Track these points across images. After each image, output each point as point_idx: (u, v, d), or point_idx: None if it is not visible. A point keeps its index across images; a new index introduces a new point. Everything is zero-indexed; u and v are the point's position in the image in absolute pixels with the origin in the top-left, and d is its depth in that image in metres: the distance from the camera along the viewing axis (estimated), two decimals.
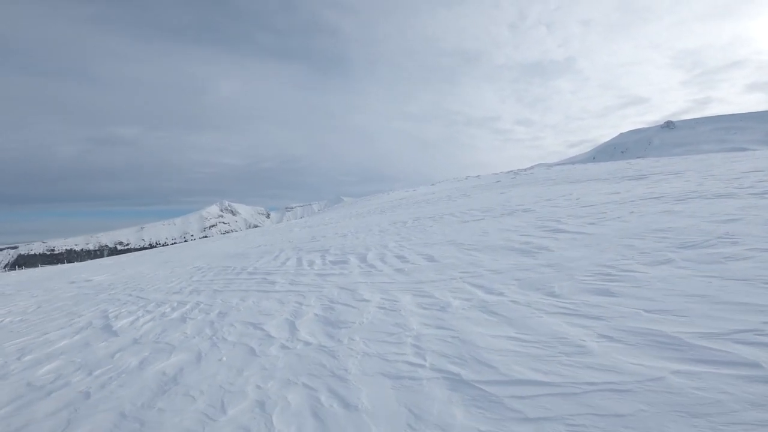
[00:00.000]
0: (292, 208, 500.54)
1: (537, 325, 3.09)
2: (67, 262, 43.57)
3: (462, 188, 23.91)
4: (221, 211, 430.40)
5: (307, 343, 3.52)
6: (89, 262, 26.07)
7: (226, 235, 29.48)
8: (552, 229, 6.40)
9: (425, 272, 5.20)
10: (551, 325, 3.05)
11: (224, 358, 3.50)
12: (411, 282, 4.87)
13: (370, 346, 3.22)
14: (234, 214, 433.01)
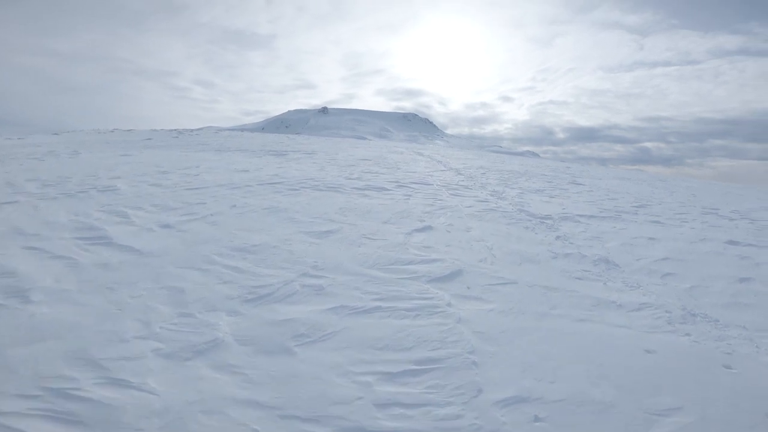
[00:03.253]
0: None
1: None
2: None
3: (85, 143, 17.83)
4: None
5: None
6: None
7: None
8: (97, 237, 4.14)
9: None
10: None
11: None
12: None
13: None
14: None
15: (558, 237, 4.94)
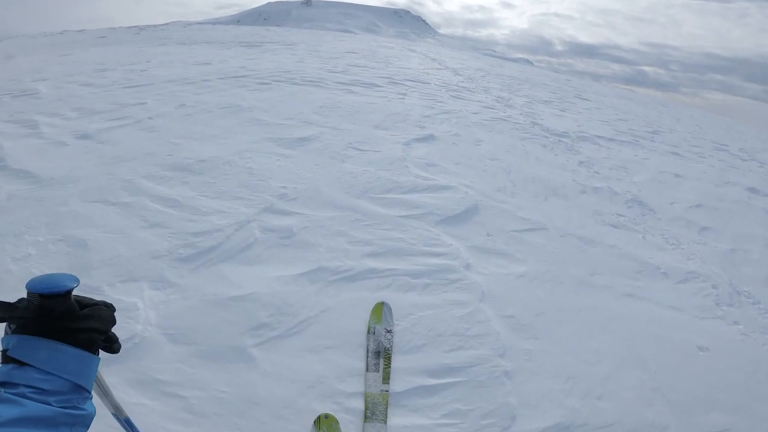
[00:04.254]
0: None
1: None
2: None
3: (25, 47, 15.19)
4: None
5: None
6: None
7: None
8: None
9: None
10: None
11: None
12: None
13: None
14: None
15: (581, 163, 4.05)
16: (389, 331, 1.66)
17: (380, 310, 1.76)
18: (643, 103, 12.90)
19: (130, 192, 2.40)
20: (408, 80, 6.72)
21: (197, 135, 3.28)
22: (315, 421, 1.33)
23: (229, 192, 2.44)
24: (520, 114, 5.64)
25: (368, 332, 1.66)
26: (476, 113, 4.99)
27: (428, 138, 3.69)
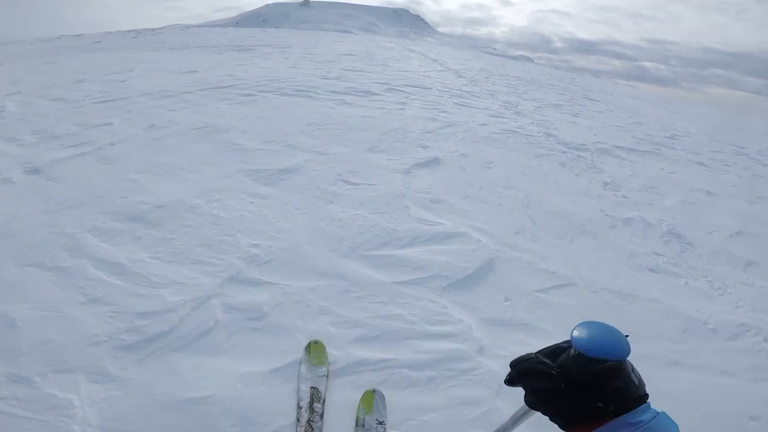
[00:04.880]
0: None
1: None
2: None
3: (16, 54, 14.74)
4: None
5: None
6: None
7: None
8: None
9: None
10: None
11: None
12: None
13: None
14: None
15: (606, 184, 3.53)
16: (381, 423, 1.34)
17: (371, 398, 1.39)
18: (650, 102, 12.34)
19: (70, 252, 1.90)
20: (407, 85, 6.20)
21: (161, 168, 2.77)
22: (306, 347, 1.41)
23: (188, 253, 1.93)
24: (532, 123, 5.10)
25: (356, 425, 1.34)
26: (484, 125, 4.46)
27: (432, 162, 3.16)
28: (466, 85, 7.49)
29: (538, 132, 4.67)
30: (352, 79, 6.13)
